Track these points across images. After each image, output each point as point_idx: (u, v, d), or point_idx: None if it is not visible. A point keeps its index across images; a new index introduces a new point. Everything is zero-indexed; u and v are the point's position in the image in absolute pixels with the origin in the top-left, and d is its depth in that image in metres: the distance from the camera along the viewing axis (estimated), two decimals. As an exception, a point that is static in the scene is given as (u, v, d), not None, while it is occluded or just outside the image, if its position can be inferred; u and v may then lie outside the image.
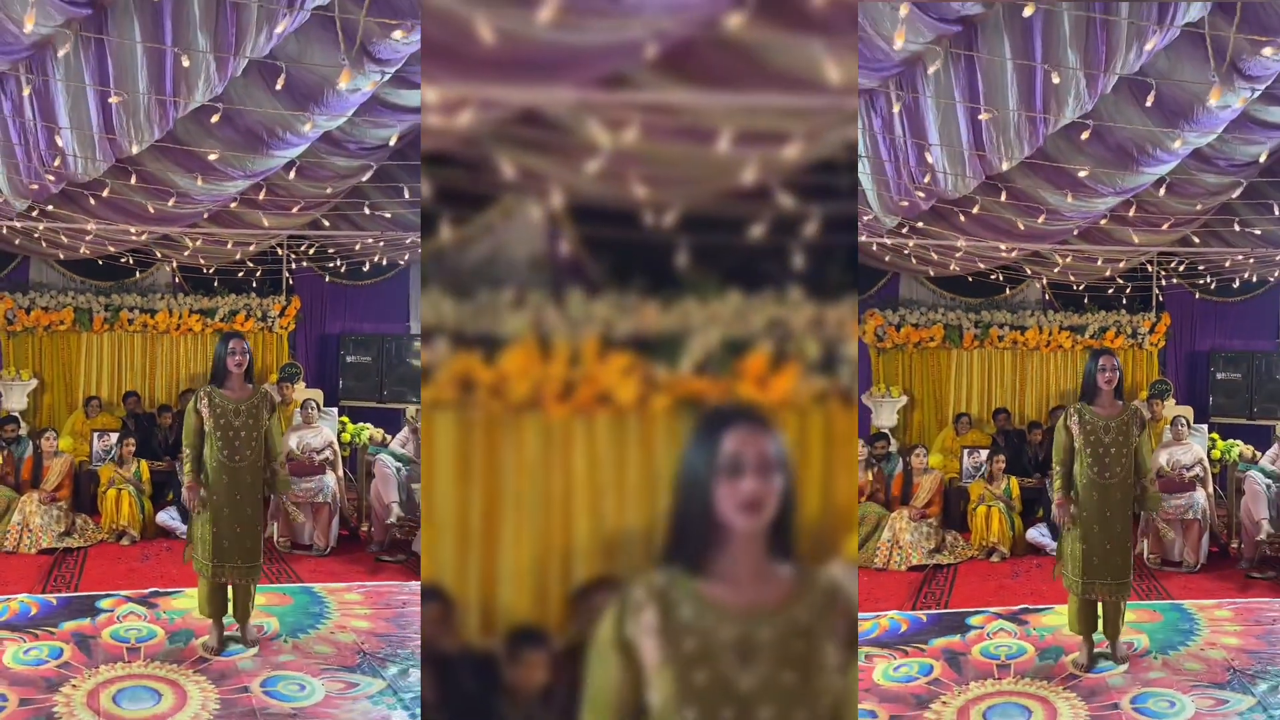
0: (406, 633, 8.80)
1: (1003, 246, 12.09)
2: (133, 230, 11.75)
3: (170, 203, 10.88)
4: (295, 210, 12.38)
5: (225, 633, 8.31)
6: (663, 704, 3.08)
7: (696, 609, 3.13)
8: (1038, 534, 11.73)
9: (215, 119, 8.82)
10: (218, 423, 7.98)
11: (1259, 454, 12.14)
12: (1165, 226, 12.32)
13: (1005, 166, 9.37)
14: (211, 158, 9.84)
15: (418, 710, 7.24)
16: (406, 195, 12.07)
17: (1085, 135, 9.14)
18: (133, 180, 10.54)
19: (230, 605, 8.30)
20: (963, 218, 11.57)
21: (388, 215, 12.96)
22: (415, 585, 10.03)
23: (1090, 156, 9.92)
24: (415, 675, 7.89)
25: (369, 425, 12.45)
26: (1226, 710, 7.57)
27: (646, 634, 3.11)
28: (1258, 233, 12.60)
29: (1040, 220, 11.19)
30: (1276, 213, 11.78)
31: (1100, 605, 8.21)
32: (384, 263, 14.84)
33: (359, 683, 7.75)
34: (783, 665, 3.12)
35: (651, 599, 3.14)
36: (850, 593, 3.24)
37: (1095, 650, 8.33)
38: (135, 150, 9.06)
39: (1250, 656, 8.56)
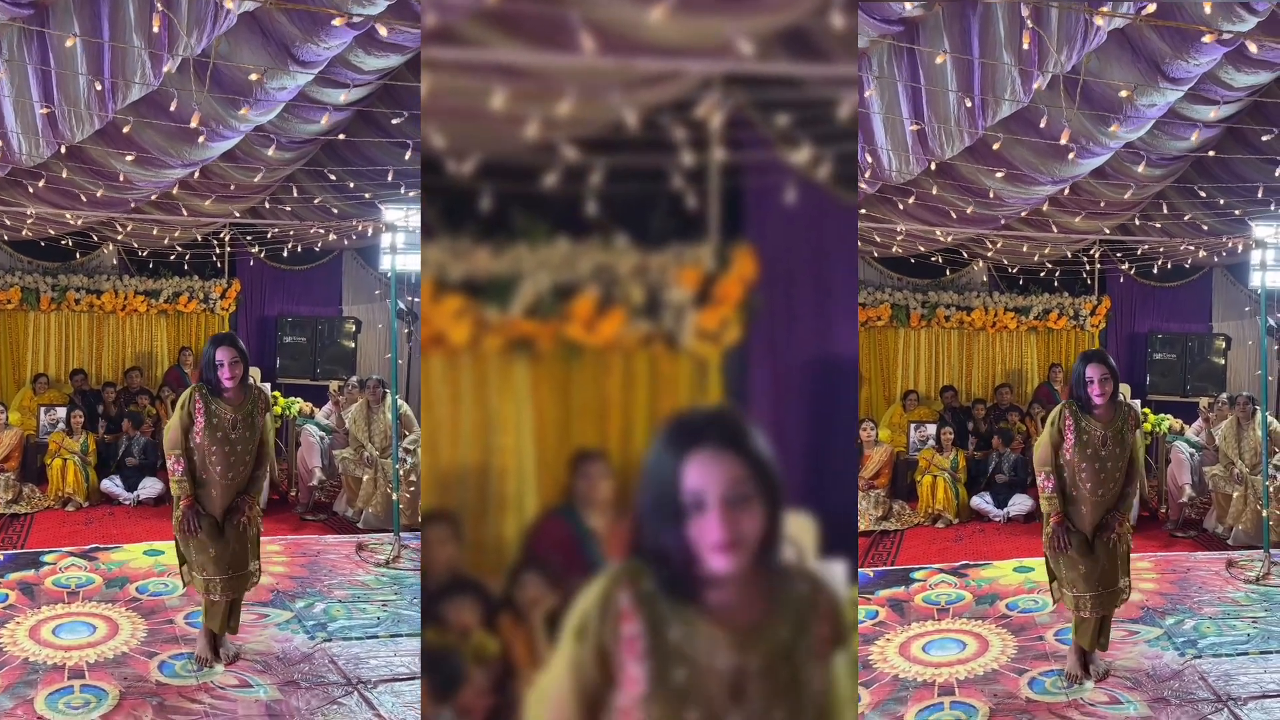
0: (317, 574, 9.34)
1: (938, 232, 12.32)
2: (68, 215, 11.89)
3: (99, 193, 11.06)
4: (231, 194, 12.61)
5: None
6: None
7: (686, 631, 2.73)
8: (981, 501, 11.96)
9: (127, 129, 9.02)
10: (214, 435, 6.85)
11: (1186, 427, 12.42)
12: (1078, 219, 12.60)
13: (947, 155, 9.61)
14: (128, 157, 10.04)
15: (317, 634, 7.91)
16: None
17: (997, 145, 9.46)
18: (64, 174, 10.71)
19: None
20: (901, 206, 11.81)
21: (316, 202, 13.15)
22: (331, 539, 10.59)
23: (1028, 147, 10.19)
24: (320, 608, 8.51)
25: (299, 399, 12.69)
26: (1137, 639, 7.94)
27: (630, 654, 2.72)
28: (1187, 217, 12.89)
29: (969, 210, 11.45)
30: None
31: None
32: (317, 248, 14.99)
33: (269, 614, 8.22)
34: (773, 699, 2.74)
35: (639, 609, 2.74)
36: (835, 592, 2.89)
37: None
38: (77, 139, 9.24)
39: (1163, 598, 8.93)
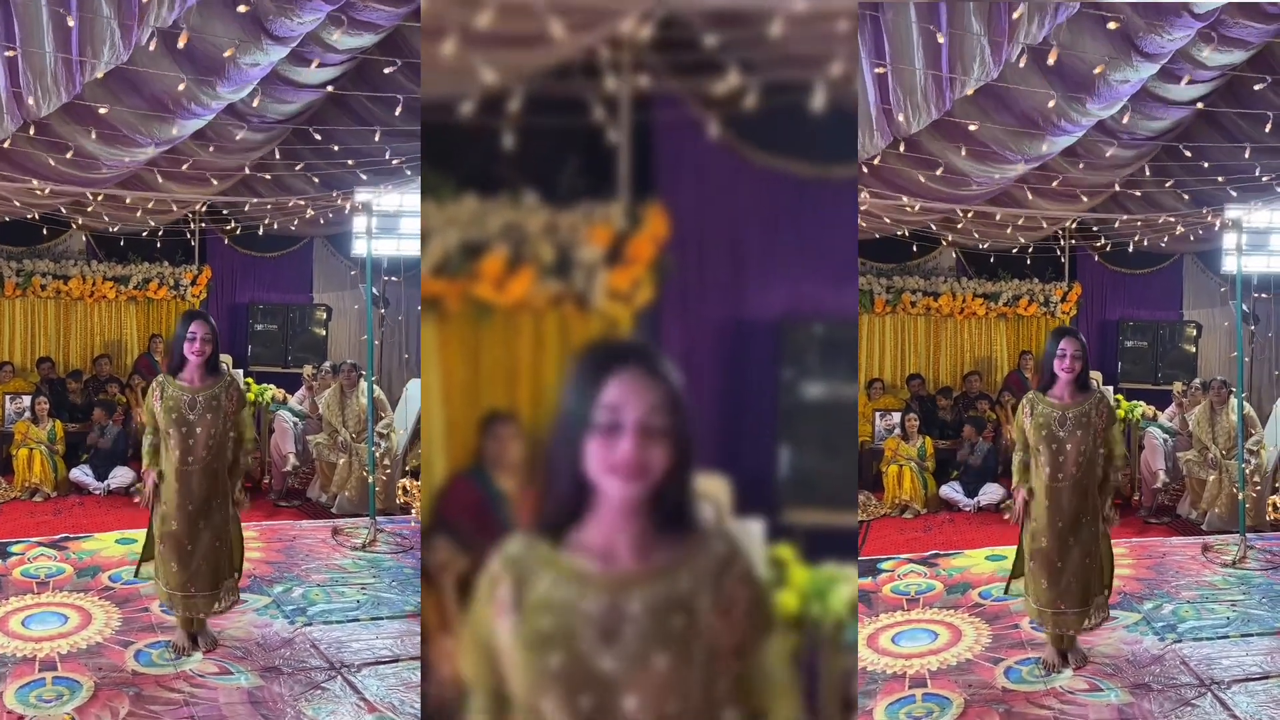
0: (294, 559, 9.30)
1: (904, 200, 12.12)
2: (35, 183, 11.61)
3: (69, 155, 10.83)
4: (203, 176, 12.44)
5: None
6: (521, 691, 2.66)
7: (554, 580, 2.66)
8: (950, 491, 11.89)
9: (100, 75, 8.86)
10: (169, 417, 6.60)
11: (1159, 413, 12.45)
12: (1054, 183, 12.47)
13: (913, 129, 9.50)
14: (102, 110, 9.83)
15: (296, 619, 7.84)
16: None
17: (971, 90, 9.32)
18: (32, 132, 10.49)
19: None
20: (864, 169, 11.62)
21: (299, 167, 12.95)
22: (306, 524, 10.52)
23: (998, 123, 10.10)
24: (299, 592, 8.47)
25: (271, 386, 12.60)
26: (1115, 624, 7.85)
27: (501, 611, 2.67)
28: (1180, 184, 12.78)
29: (939, 171, 11.25)
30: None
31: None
32: (294, 225, 14.80)
33: (247, 599, 8.00)
34: (654, 644, 2.63)
35: (507, 570, 2.69)
36: (748, 561, 2.75)
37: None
38: (43, 112, 9.06)
39: (1140, 583, 8.93)
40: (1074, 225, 14.25)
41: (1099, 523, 6.86)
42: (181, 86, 9.12)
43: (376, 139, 10.90)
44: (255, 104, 10.17)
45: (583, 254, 5.52)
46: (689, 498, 2.70)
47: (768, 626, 2.74)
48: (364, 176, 11.34)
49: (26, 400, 12.52)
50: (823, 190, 5.85)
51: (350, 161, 11.62)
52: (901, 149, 9.77)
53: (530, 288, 5.49)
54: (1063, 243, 14.94)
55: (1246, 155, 10.66)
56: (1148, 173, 12.04)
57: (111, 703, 6.39)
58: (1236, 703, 6.63)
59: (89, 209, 13.25)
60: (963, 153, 10.55)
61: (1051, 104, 9.32)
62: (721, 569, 2.68)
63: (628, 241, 5.53)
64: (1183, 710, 6.58)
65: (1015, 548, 7.21)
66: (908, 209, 12.42)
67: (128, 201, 12.90)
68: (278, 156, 12.05)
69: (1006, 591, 7.43)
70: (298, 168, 12.28)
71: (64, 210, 13.69)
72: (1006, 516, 7.20)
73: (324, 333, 15.37)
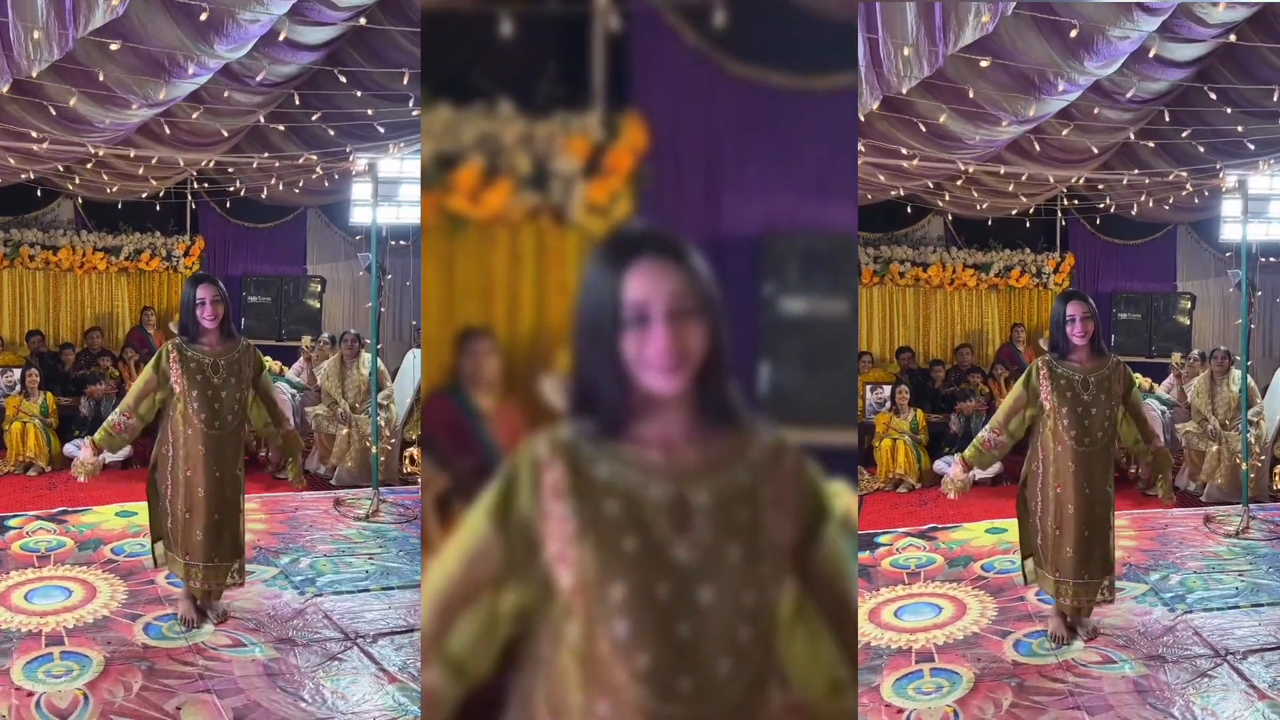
0: (298, 531, 9.22)
1: (905, 151, 11.91)
2: (34, 135, 11.41)
3: (71, 101, 10.63)
4: (198, 141, 12.29)
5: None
6: (581, 579, 2.54)
7: (616, 468, 2.58)
8: (944, 464, 11.76)
9: (115, 47, 8.73)
10: (193, 379, 6.44)
11: (1156, 385, 12.44)
12: (1060, 144, 12.37)
13: (905, 88, 9.36)
14: (107, 54, 9.64)
15: (306, 589, 7.74)
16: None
17: (985, 63, 9.22)
18: (33, 71, 10.32)
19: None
20: (862, 118, 11.41)
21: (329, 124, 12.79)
22: (307, 495, 10.34)
23: (992, 82, 9.98)
24: (305, 563, 8.37)
25: (267, 358, 12.47)
26: (1123, 596, 7.78)
27: (554, 495, 2.56)
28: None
29: (942, 120, 11.05)
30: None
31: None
32: (299, 186, 14.62)
33: (254, 570, 7.87)
34: (725, 536, 2.58)
35: (557, 454, 2.58)
36: (797, 452, 2.74)
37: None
38: (35, 71, 8.90)
39: (1144, 554, 8.89)
40: (1080, 181, 14.05)
41: (1111, 494, 6.79)
42: (204, 15, 8.90)
43: (404, 82, 10.63)
44: (282, 37, 9.96)
45: (560, 165, 5.41)
46: (730, 386, 2.67)
47: (823, 516, 2.71)
48: (381, 130, 11.16)
49: (17, 373, 12.40)
50: (808, 100, 5.74)
51: (370, 111, 11.43)
52: (905, 90, 9.59)
53: (506, 200, 5.37)
54: (1064, 203, 14.81)
55: (1275, 99, 10.41)
56: (1167, 117, 11.89)
57: (124, 677, 6.26)
58: (1255, 674, 6.57)
59: (88, 165, 13.03)
60: (970, 93, 10.40)
61: (1075, 33, 9.14)
62: (773, 461, 2.67)
63: (605, 152, 5.43)
64: (1200, 682, 6.53)
65: (1014, 521, 7.14)
66: (906, 166, 12.24)
67: (132, 156, 12.70)
68: (298, 103, 11.86)
69: (1026, 581, 7.20)
70: (314, 118, 12.10)
71: (61, 169, 13.46)
72: (945, 481, 7.04)
73: (318, 305, 15.32)
